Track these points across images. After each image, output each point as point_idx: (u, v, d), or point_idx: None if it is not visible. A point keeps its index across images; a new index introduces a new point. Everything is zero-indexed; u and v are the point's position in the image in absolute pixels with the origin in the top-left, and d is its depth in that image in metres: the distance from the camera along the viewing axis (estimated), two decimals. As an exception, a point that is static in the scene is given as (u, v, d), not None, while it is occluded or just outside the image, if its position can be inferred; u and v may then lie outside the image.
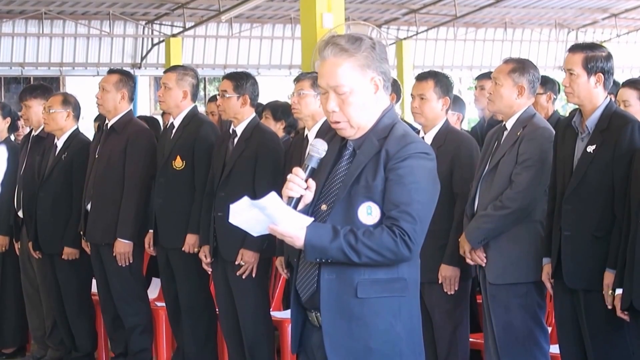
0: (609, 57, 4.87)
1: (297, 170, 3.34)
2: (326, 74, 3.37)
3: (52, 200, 6.94)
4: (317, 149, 3.37)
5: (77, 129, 7.08)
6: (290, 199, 3.31)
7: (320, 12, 14.22)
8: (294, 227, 3.24)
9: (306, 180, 3.34)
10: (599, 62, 4.82)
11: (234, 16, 23.31)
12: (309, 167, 3.35)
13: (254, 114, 6.25)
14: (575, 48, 4.92)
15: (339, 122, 3.40)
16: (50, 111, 6.95)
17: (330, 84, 3.37)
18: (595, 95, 4.84)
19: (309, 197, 3.36)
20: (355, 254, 3.24)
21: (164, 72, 6.67)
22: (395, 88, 7.97)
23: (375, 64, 3.37)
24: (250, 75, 6.32)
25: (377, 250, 3.24)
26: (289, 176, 3.34)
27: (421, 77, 5.70)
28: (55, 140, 7.04)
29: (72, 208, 6.88)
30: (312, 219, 3.29)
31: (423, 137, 5.56)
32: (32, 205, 7.05)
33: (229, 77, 6.28)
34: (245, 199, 3.25)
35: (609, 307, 4.64)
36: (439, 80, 5.64)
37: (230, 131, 6.23)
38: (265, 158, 6.06)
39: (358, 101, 3.36)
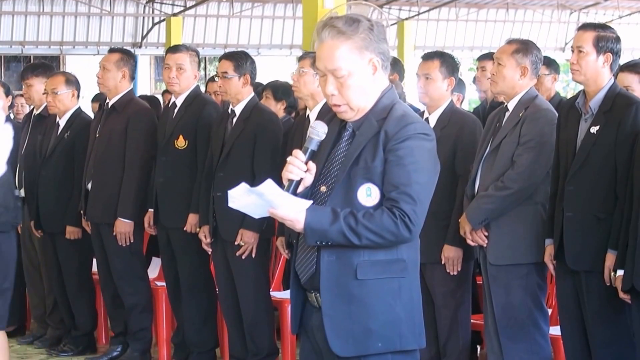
0: (618, 38, 4.88)
1: (297, 152, 3.31)
2: (324, 57, 3.33)
3: (54, 179, 6.93)
4: (317, 131, 3.33)
5: (80, 108, 7.06)
6: (290, 181, 3.29)
7: (321, -8, 14.17)
8: (294, 211, 3.22)
9: (306, 163, 3.31)
10: (609, 43, 4.82)
11: (235, -5, 23.29)
12: (309, 150, 3.32)
13: (252, 94, 6.23)
14: (586, 26, 4.92)
15: (339, 105, 3.36)
16: (57, 93, 6.91)
17: (328, 67, 3.32)
18: (601, 75, 4.83)
19: (309, 179, 3.34)
20: (356, 237, 3.22)
21: (173, 53, 6.49)
22: (398, 68, 7.97)
23: (373, 45, 3.32)
24: (248, 54, 6.29)
25: (378, 232, 3.22)
26: (289, 159, 3.31)
27: (427, 57, 5.68)
28: (57, 119, 7.02)
29: (74, 187, 6.87)
30: (311, 202, 3.27)
31: (427, 118, 5.55)
32: (34, 185, 7.05)
33: (227, 57, 6.24)
34: (243, 185, 3.23)
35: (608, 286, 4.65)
36: (445, 60, 5.62)
37: (229, 111, 6.21)
38: (264, 138, 6.04)
39: (357, 83, 3.32)
